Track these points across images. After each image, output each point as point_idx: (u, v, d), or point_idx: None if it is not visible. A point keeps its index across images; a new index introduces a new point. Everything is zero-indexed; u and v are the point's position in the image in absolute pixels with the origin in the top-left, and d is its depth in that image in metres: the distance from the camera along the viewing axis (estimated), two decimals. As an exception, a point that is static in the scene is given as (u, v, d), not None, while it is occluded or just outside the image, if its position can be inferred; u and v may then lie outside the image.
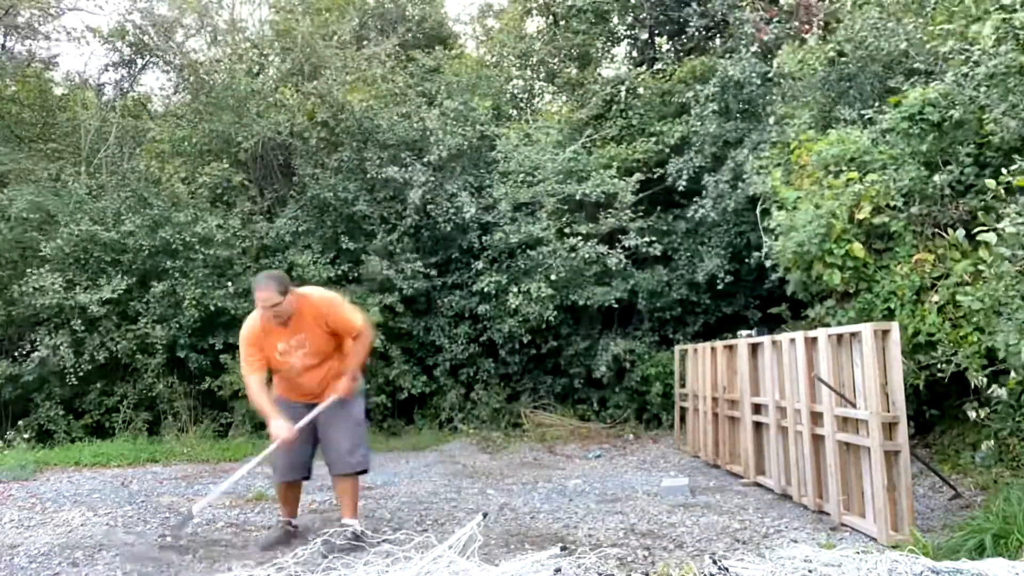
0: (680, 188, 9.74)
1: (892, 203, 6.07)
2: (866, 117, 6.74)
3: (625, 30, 12.73)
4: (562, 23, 12.78)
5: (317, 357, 4.47)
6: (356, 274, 9.97)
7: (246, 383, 4.53)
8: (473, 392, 10.16)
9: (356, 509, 4.57)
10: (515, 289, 9.53)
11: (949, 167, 5.97)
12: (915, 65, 6.79)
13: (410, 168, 9.80)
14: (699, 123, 9.61)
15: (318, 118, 10.34)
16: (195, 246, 9.33)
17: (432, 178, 9.84)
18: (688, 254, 10.31)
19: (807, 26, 8.91)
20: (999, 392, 4.92)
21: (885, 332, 4.51)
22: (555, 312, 9.62)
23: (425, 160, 9.91)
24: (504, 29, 13.82)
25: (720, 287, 9.64)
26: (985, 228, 4.50)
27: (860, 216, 6.03)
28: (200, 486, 6.63)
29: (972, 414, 5.39)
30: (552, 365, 10.41)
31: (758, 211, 8.18)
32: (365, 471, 4.61)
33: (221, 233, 9.32)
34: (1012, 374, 4.69)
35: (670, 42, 12.45)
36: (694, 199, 9.62)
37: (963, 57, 5.92)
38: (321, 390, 4.51)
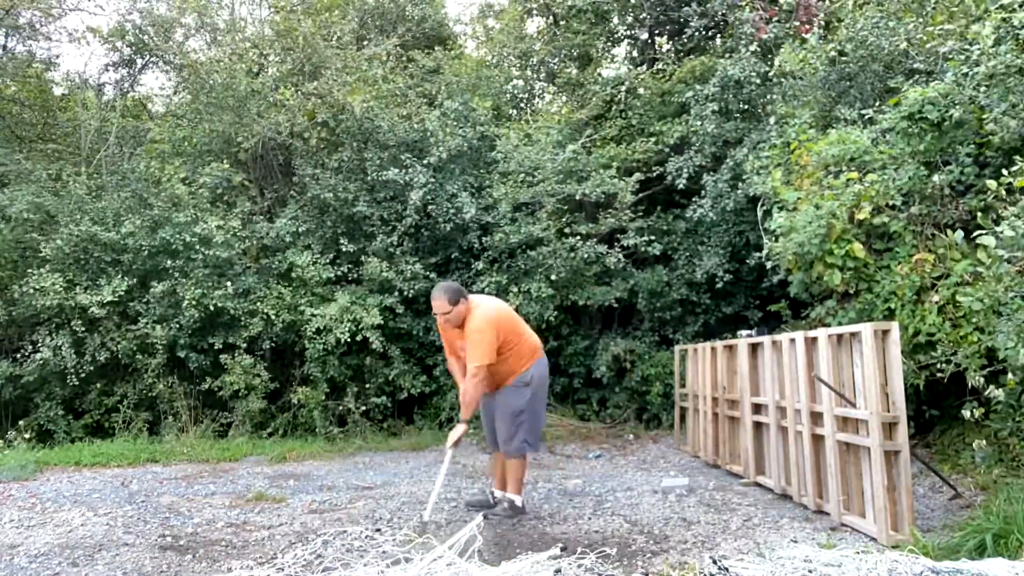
0: (680, 187, 9.75)
1: (892, 203, 6.07)
2: (866, 117, 6.75)
3: (625, 30, 12.73)
4: (562, 23, 12.78)
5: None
6: (356, 275, 9.97)
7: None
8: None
9: (518, 485, 5.31)
10: (515, 289, 9.55)
11: (949, 167, 5.97)
12: (915, 65, 6.79)
13: (410, 170, 9.81)
14: (699, 123, 9.61)
15: (318, 118, 10.34)
16: (195, 246, 9.34)
17: (432, 179, 9.85)
18: (688, 254, 10.31)
19: (807, 26, 8.90)
20: (996, 393, 4.92)
21: (885, 332, 4.51)
22: (556, 312, 9.64)
23: (425, 161, 9.92)
24: (504, 29, 13.82)
25: (719, 286, 9.64)
26: (983, 231, 4.51)
27: (860, 216, 6.04)
28: (200, 486, 6.64)
29: (967, 414, 5.41)
30: (552, 365, 10.39)
31: (758, 211, 8.18)
32: (523, 455, 5.32)
33: (221, 234, 9.33)
34: (1010, 375, 4.70)
35: (670, 42, 12.45)
36: (693, 199, 9.63)
37: (963, 57, 5.92)
38: (492, 387, 5.28)
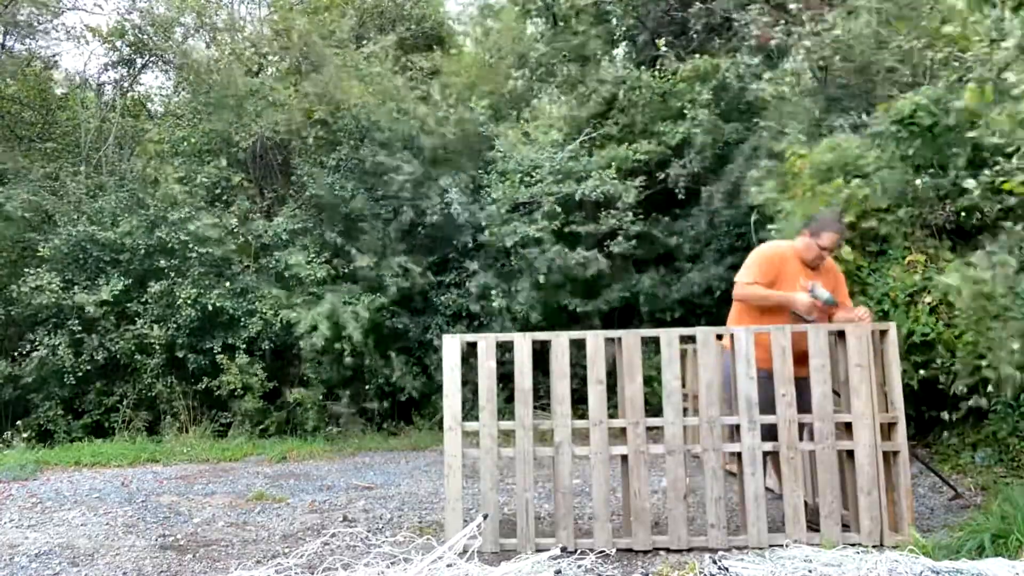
0: (680, 196, 9.78)
1: (886, 205, 6.07)
2: (858, 125, 6.75)
3: (625, 30, 12.72)
4: (561, 23, 12.76)
5: (822, 313, 4.54)
6: (351, 273, 9.97)
7: (747, 292, 4.59)
8: (474, 392, 10.15)
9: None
10: (497, 290, 9.57)
11: (933, 170, 5.97)
12: (905, 80, 6.79)
13: (399, 155, 9.81)
14: (696, 127, 9.62)
15: (316, 116, 10.35)
16: (190, 245, 9.34)
17: (423, 171, 9.85)
18: (688, 255, 10.32)
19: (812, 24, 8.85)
20: (981, 402, 4.96)
21: (883, 332, 4.51)
22: (547, 313, 9.64)
23: (417, 150, 9.94)
24: (503, 29, 13.82)
25: (718, 295, 9.66)
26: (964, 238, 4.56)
27: (848, 220, 6.04)
28: (200, 486, 6.64)
29: (945, 415, 5.44)
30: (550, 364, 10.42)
31: (752, 221, 8.17)
32: None
33: (216, 232, 9.32)
34: (1000, 378, 4.71)
35: (671, 43, 12.45)
36: (694, 202, 9.67)
37: (956, 64, 5.93)
38: (801, 354, 4.31)
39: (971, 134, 5.04)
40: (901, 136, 5.96)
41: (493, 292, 9.53)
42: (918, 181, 5.86)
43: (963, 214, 5.38)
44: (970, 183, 4.74)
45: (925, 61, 6.37)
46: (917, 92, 6.00)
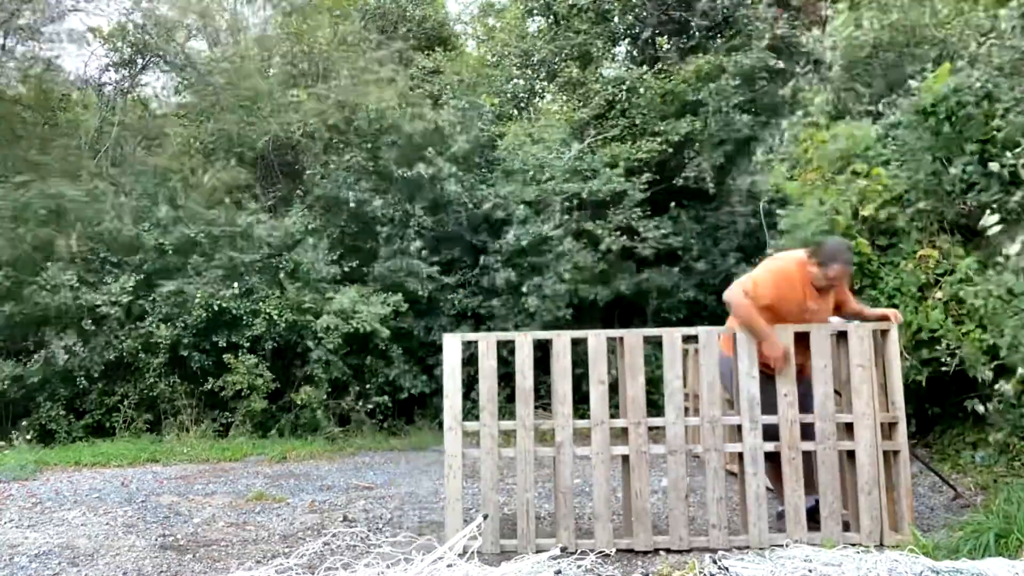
0: (707, 190, 9.78)
1: (903, 196, 6.02)
2: (875, 111, 6.69)
3: (626, 29, 12.74)
4: (563, 22, 12.78)
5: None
6: (363, 272, 9.99)
7: (739, 303, 4.50)
8: (473, 391, 10.16)
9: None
10: (527, 287, 9.56)
11: (957, 161, 5.91)
12: (938, 36, 6.67)
13: (434, 163, 9.81)
14: (715, 118, 9.61)
15: (330, 120, 10.36)
16: (208, 246, 9.39)
17: (452, 173, 9.89)
18: (698, 253, 10.31)
19: (816, 25, 8.88)
20: (1005, 388, 4.90)
21: (884, 331, 4.49)
22: (570, 311, 9.65)
23: (447, 155, 9.96)
24: (505, 29, 13.84)
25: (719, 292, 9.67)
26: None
27: (865, 212, 5.99)
28: (200, 486, 6.64)
29: (980, 408, 5.34)
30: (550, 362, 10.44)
31: (761, 207, 8.15)
32: None
33: (240, 238, 9.40)
34: (1021, 370, 4.68)
35: (671, 41, 12.46)
36: (699, 200, 9.68)
37: (974, 47, 5.89)
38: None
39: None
40: (925, 126, 5.89)
41: (524, 289, 9.54)
42: (951, 170, 5.77)
43: (989, 210, 5.30)
44: (994, 165, 4.73)
45: (951, 39, 6.31)
46: (935, 78, 5.93)
